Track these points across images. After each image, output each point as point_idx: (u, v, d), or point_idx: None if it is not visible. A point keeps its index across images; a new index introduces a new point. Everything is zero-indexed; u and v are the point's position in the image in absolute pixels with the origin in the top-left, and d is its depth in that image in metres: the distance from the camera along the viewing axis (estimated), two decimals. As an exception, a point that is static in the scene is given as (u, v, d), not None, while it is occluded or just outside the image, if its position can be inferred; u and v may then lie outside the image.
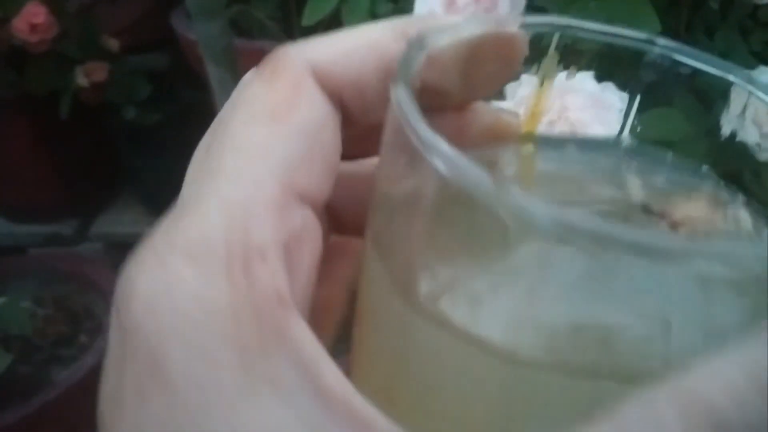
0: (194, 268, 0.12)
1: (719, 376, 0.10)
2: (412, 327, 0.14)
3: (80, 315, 0.85)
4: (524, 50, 0.16)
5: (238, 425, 0.11)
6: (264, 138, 0.14)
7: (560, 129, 0.38)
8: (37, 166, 1.01)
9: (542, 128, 0.38)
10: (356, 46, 0.16)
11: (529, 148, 0.17)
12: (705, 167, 0.17)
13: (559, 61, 0.17)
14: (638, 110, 0.23)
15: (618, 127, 0.39)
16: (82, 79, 0.89)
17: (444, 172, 0.11)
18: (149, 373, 0.12)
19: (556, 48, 0.16)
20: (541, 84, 0.17)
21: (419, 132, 0.12)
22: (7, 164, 1.01)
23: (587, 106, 0.38)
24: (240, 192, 0.13)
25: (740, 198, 0.17)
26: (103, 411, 0.12)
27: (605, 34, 0.16)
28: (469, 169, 0.11)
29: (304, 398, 0.11)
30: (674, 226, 0.15)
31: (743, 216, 0.16)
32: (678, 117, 0.52)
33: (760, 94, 0.16)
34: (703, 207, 0.16)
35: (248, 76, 0.16)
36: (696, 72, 0.17)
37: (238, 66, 0.67)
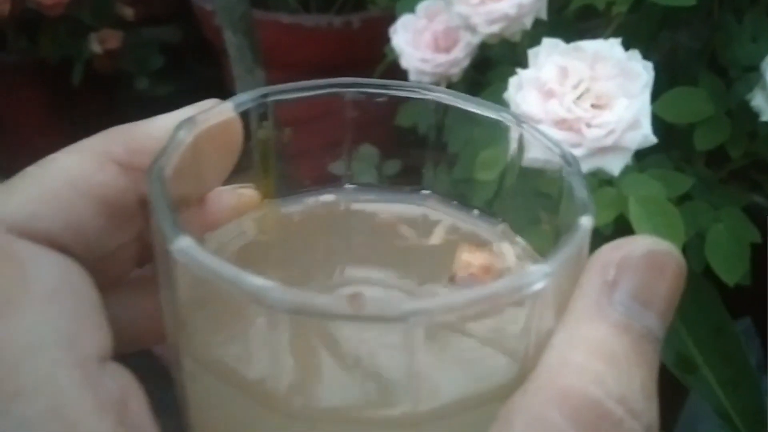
0: None
1: (580, 368, 0.12)
2: (194, 374, 0.15)
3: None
4: (240, 133, 0.17)
5: None
6: (19, 334, 0.12)
7: (585, 105, 0.37)
8: (48, 133, 1.00)
9: (566, 106, 0.37)
10: (56, 191, 0.14)
11: (267, 211, 0.19)
12: (501, 224, 0.19)
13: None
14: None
15: (641, 101, 0.38)
16: (95, 46, 0.88)
17: (182, 262, 0.13)
18: None
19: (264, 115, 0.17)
20: (262, 153, 0.18)
21: (164, 227, 0.13)
22: (18, 131, 1.01)
23: (614, 74, 0.37)
24: (38, 405, 0.12)
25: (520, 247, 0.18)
26: None
27: (302, 89, 0.17)
28: (206, 259, 0.12)
29: None
30: (451, 279, 0.17)
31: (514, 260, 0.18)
32: (701, 96, 0.51)
33: None
34: (484, 256, 0.17)
35: None
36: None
37: (256, 36, 0.67)
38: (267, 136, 0.18)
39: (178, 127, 0.15)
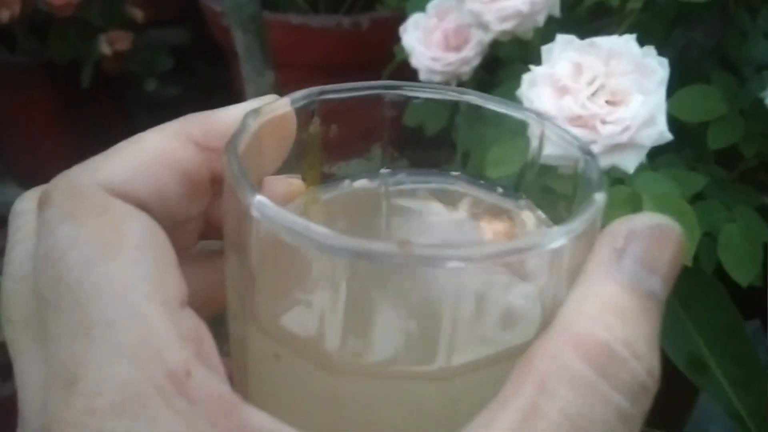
0: (136, 418, 0.13)
1: (591, 317, 0.14)
2: (255, 341, 0.17)
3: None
4: (294, 127, 0.19)
5: None
6: (117, 272, 0.14)
7: (600, 101, 0.37)
8: (56, 134, 1.00)
9: (581, 102, 0.37)
10: (146, 161, 0.17)
11: (311, 197, 0.21)
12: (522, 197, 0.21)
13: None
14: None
15: (657, 98, 0.38)
16: (105, 48, 0.89)
17: (260, 218, 0.14)
18: None
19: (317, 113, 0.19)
20: (310, 145, 0.20)
21: (241, 188, 0.15)
22: (26, 132, 1.01)
23: (630, 71, 0.37)
24: (133, 331, 0.14)
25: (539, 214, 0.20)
26: None
27: (350, 90, 0.19)
28: (280, 213, 0.14)
29: None
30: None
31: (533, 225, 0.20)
32: (714, 95, 0.51)
33: None
34: (507, 225, 0.19)
35: (25, 205, 0.17)
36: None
37: (266, 36, 0.67)
38: (316, 131, 0.20)
39: (247, 115, 0.17)
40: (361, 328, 0.16)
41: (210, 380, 0.14)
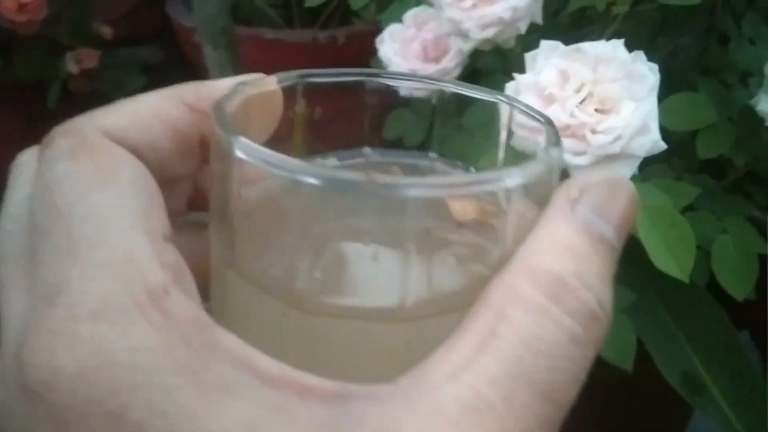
0: (112, 326, 0.13)
1: (545, 253, 0.15)
2: (233, 287, 0.17)
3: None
4: (281, 105, 0.20)
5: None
6: (109, 201, 0.15)
7: (589, 110, 0.35)
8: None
9: (569, 111, 0.35)
10: (143, 114, 0.18)
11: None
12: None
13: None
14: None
15: (649, 105, 0.36)
16: (72, 66, 0.86)
17: (242, 156, 0.16)
18: (116, 431, 0.13)
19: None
20: (296, 125, 0.21)
21: (224, 131, 0.16)
22: (-9, 154, 0.97)
23: (619, 77, 0.35)
24: (117, 251, 0.14)
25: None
26: None
27: (336, 75, 0.21)
28: (259, 150, 0.15)
29: (252, 388, 0.13)
30: (460, 224, 0.19)
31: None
32: (703, 102, 0.49)
33: None
34: (475, 203, 0.20)
35: (26, 158, 0.18)
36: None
37: (237, 50, 0.64)
38: (302, 111, 0.21)
39: (237, 84, 0.18)
40: (328, 268, 0.17)
41: (186, 301, 0.14)
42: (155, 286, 0.14)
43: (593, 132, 0.34)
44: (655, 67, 0.36)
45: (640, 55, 0.36)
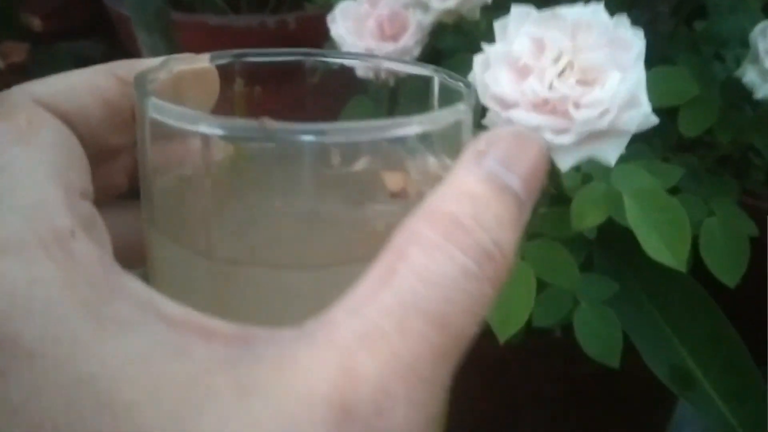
0: (13, 260, 0.14)
1: (445, 198, 0.15)
2: (155, 244, 0.18)
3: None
4: (217, 83, 0.20)
5: (97, 365, 0.13)
6: (26, 155, 0.16)
7: (570, 82, 0.31)
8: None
9: (547, 83, 0.31)
10: (74, 84, 0.19)
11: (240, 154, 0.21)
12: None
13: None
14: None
15: (636, 74, 0.31)
16: (-2, 61, 0.79)
17: (154, 115, 0.16)
18: (8, 356, 0.13)
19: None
20: (234, 105, 0.21)
21: (142, 93, 0.17)
22: None
23: (601, 44, 0.30)
24: (29, 198, 0.15)
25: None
26: None
27: (270, 54, 0.21)
28: (170, 107, 0.16)
29: (152, 327, 0.13)
30: (393, 195, 0.19)
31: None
32: (685, 76, 0.45)
33: None
34: (404, 174, 0.19)
35: None
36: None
37: (175, 37, 0.59)
38: (240, 89, 0.21)
39: (165, 59, 0.19)
40: (238, 218, 0.17)
41: (93, 246, 0.15)
42: (62, 228, 0.14)
43: (576, 106, 0.30)
44: (640, 32, 0.32)
45: (623, 19, 0.32)
